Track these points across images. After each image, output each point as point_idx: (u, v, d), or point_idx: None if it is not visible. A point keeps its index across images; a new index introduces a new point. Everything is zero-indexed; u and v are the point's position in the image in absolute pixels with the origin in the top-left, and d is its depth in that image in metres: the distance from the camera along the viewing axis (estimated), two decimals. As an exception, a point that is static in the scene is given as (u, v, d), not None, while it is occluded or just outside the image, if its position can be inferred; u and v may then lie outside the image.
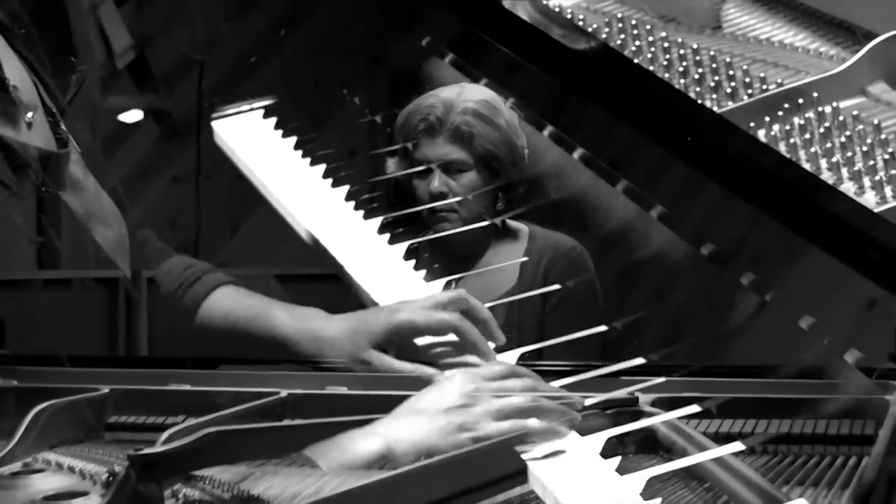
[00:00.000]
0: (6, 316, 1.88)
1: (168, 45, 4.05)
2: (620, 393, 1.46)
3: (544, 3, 1.83)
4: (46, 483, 1.31)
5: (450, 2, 1.80)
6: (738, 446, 1.23)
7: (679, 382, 1.55)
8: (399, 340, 1.65)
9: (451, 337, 1.63)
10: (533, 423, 1.31)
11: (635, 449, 1.41)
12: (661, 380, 1.48)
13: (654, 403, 1.45)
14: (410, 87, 2.55)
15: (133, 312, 3.31)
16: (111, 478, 1.21)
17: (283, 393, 1.57)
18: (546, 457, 1.28)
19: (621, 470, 1.25)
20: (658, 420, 1.39)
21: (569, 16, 1.83)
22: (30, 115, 1.51)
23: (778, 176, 1.47)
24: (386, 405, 1.40)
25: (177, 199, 4.54)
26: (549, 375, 1.49)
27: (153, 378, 1.71)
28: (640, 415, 1.43)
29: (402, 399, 1.40)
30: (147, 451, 1.23)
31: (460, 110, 2.44)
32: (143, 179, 4.53)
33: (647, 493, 1.20)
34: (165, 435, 1.31)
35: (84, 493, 1.23)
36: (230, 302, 1.78)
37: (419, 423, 1.33)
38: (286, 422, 1.50)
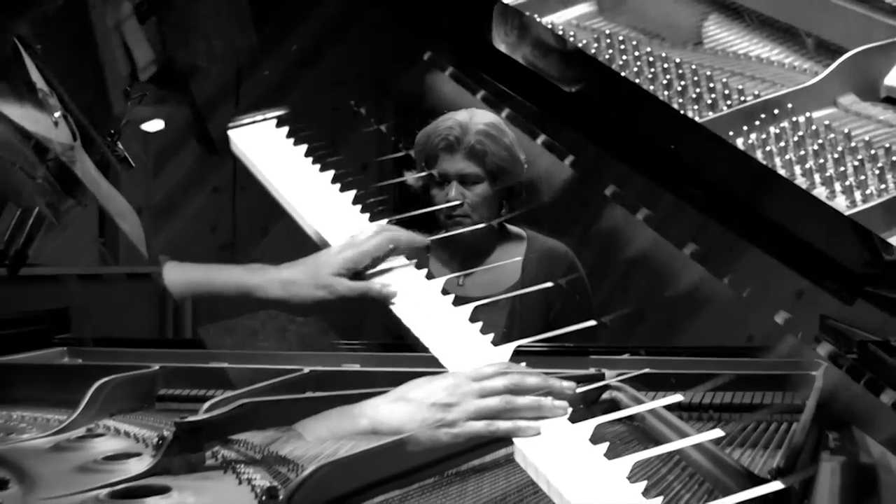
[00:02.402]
0: (72, 305, 1.88)
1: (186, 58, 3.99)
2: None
3: (538, 20, 1.76)
4: (106, 445, 1.32)
5: (449, 42, 1.75)
6: (717, 433, 1.20)
7: (642, 360, 1.56)
8: (354, 267, 1.60)
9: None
10: (503, 425, 1.27)
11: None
12: (647, 370, 1.48)
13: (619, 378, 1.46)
14: (414, 111, 2.56)
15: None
16: (161, 441, 1.21)
17: (306, 370, 1.58)
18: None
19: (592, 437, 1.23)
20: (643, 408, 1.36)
21: (560, 33, 1.77)
22: (57, 114, 1.49)
23: (755, 181, 1.42)
24: (392, 380, 1.38)
25: (216, 206, 4.55)
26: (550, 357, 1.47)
27: (196, 357, 1.72)
28: (606, 388, 1.44)
29: (406, 375, 1.37)
30: (191, 418, 1.24)
31: (475, 131, 2.46)
32: (188, 190, 4.54)
33: (610, 453, 1.18)
34: (207, 405, 1.33)
35: (137, 454, 1.24)
36: (181, 272, 1.69)
37: (405, 411, 1.30)
38: (308, 394, 1.51)
